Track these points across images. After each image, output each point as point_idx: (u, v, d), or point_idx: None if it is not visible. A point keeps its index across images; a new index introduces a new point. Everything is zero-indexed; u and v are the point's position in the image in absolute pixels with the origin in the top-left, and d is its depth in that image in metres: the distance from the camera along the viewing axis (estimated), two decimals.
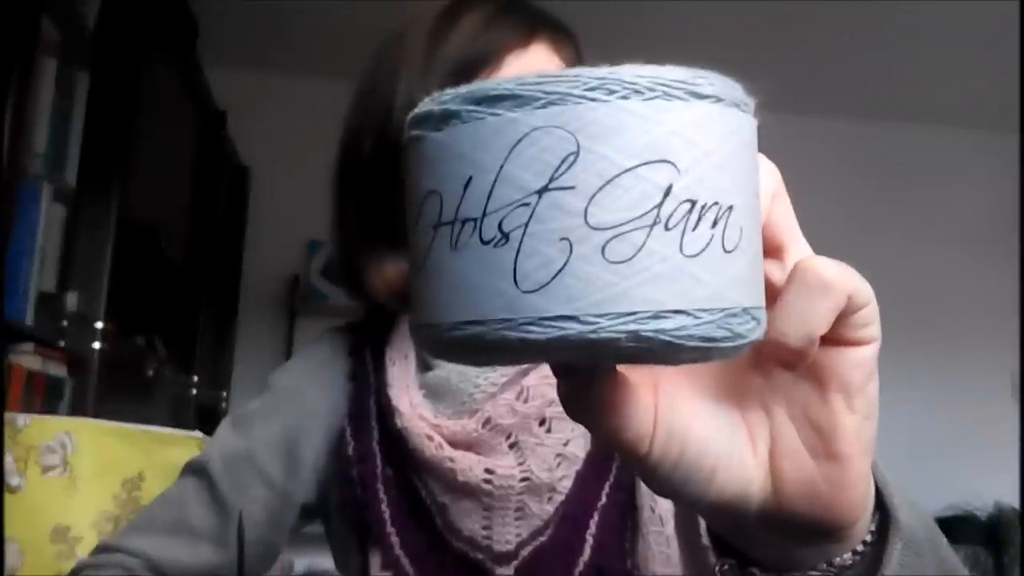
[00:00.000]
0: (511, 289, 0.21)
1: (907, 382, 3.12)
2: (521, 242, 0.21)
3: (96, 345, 1.57)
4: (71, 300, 1.54)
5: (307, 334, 2.88)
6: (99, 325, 1.57)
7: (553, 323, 0.21)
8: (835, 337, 0.26)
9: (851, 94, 3.18)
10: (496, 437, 0.58)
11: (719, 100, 0.22)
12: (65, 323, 1.52)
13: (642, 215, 0.21)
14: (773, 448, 0.28)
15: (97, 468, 0.96)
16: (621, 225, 0.21)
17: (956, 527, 2.81)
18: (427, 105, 0.23)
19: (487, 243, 0.22)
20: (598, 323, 0.21)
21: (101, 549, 0.63)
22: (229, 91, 2.61)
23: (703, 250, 0.22)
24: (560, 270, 0.21)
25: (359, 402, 0.63)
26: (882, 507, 0.31)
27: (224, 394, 2.78)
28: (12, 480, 0.93)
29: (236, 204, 2.89)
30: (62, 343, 1.51)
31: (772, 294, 0.27)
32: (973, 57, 2.84)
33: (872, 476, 0.30)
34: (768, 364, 0.28)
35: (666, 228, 0.21)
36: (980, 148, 3.37)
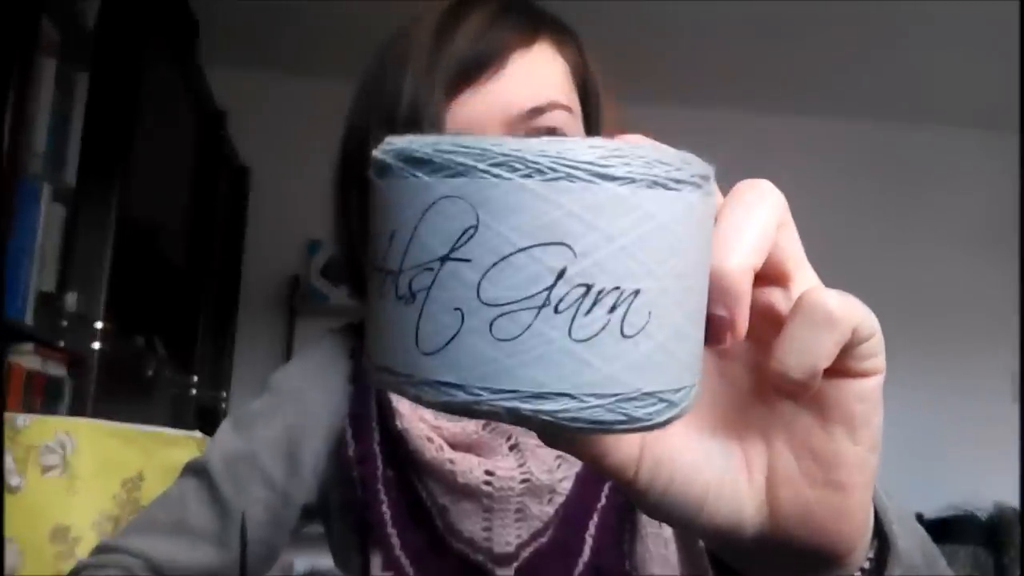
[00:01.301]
0: (412, 348, 0.22)
1: (907, 382, 3.12)
2: (424, 305, 0.22)
3: (96, 345, 1.57)
4: (71, 300, 1.54)
5: (307, 334, 2.88)
6: (99, 325, 1.57)
7: (442, 388, 0.22)
8: (839, 368, 0.26)
9: (851, 94, 3.18)
10: (496, 439, 0.58)
11: (632, 182, 0.22)
12: (65, 323, 1.52)
13: (531, 296, 0.21)
14: (771, 476, 0.28)
15: (97, 468, 0.96)
16: (510, 304, 0.21)
17: (956, 527, 2.82)
18: (378, 151, 0.24)
19: (400, 298, 0.22)
20: (480, 395, 0.21)
21: (101, 549, 0.63)
22: (229, 91, 2.62)
23: (595, 335, 0.22)
24: (451, 339, 0.22)
25: (360, 404, 0.63)
26: (881, 533, 0.31)
27: (224, 394, 2.78)
28: (12, 480, 0.93)
29: (236, 204, 2.89)
30: (62, 343, 1.51)
31: (777, 324, 0.27)
32: (973, 57, 2.84)
33: (872, 504, 0.30)
34: (770, 394, 0.28)
35: (555, 311, 0.21)
36: (980, 148, 3.37)
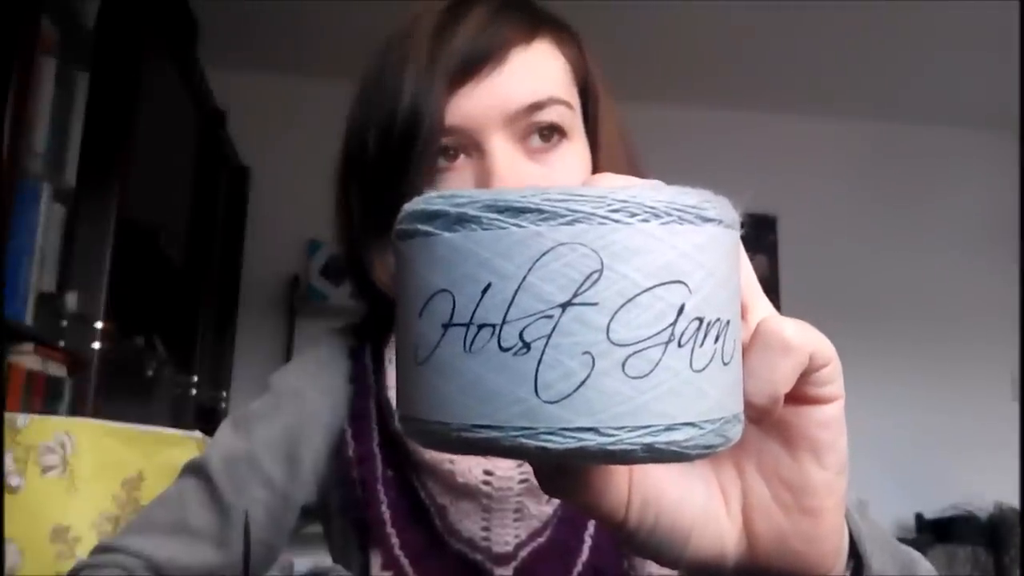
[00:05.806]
0: (531, 398, 0.22)
1: (908, 382, 3.12)
2: (543, 353, 0.22)
3: (96, 345, 1.57)
4: (71, 300, 1.54)
5: (307, 334, 2.88)
6: (99, 325, 1.57)
7: (573, 434, 0.22)
8: (799, 395, 0.27)
9: (851, 94, 3.18)
10: None
11: (720, 222, 0.24)
12: (65, 323, 1.52)
13: (659, 332, 0.22)
14: (746, 505, 0.29)
15: (97, 468, 0.96)
16: (640, 342, 0.22)
17: (956, 527, 2.82)
18: (436, 203, 0.24)
19: (506, 350, 0.22)
20: (617, 435, 0.22)
21: (100, 549, 0.62)
22: (229, 91, 2.61)
23: (707, 364, 0.23)
24: (582, 383, 0.22)
25: (359, 404, 0.62)
26: (856, 553, 0.32)
27: (224, 394, 2.78)
28: (12, 480, 0.93)
29: (236, 204, 2.89)
30: (62, 343, 1.51)
31: None
32: (973, 57, 2.84)
33: (846, 525, 0.31)
34: None
35: (679, 345, 0.23)
36: (980, 148, 3.37)
